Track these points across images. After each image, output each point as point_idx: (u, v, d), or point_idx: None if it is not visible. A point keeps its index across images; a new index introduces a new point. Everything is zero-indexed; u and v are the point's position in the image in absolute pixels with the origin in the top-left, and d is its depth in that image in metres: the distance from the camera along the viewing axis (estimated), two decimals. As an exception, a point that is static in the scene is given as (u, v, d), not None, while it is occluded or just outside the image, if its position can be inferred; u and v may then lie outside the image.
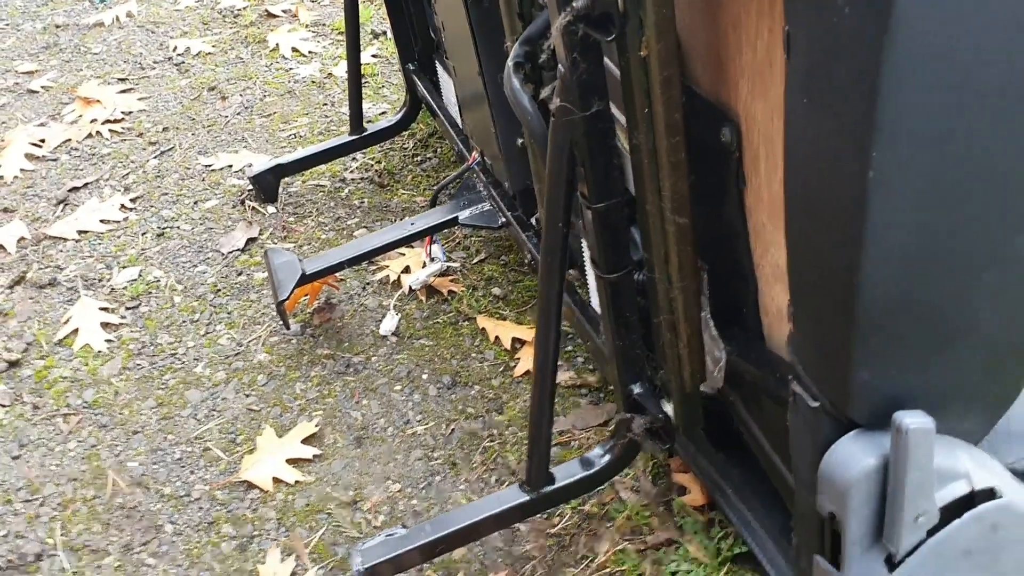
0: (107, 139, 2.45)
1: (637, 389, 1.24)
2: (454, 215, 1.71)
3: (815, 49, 0.71)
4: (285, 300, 1.60)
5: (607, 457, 1.30)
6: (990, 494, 0.90)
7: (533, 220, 1.57)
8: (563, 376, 1.64)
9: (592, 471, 1.30)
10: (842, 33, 0.67)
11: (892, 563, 0.91)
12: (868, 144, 0.70)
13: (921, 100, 0.67)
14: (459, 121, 1.85)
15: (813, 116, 0.74)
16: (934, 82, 0.66)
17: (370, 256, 1.72)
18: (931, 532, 0.89)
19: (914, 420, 0.82)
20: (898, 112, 0.67)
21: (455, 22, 1.50)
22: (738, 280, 1.11)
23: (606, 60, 1.02)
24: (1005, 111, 0.68)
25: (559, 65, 1.00)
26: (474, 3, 1.37)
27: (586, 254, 1.38)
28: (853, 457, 0.88)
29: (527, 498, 1.29)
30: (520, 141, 1.49)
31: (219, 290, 1.91)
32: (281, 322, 1.66)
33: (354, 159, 2.27)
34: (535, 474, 1.28)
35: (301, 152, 2.15)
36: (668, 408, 1.22)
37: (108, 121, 2.52)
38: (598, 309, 1.39)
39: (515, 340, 1.71)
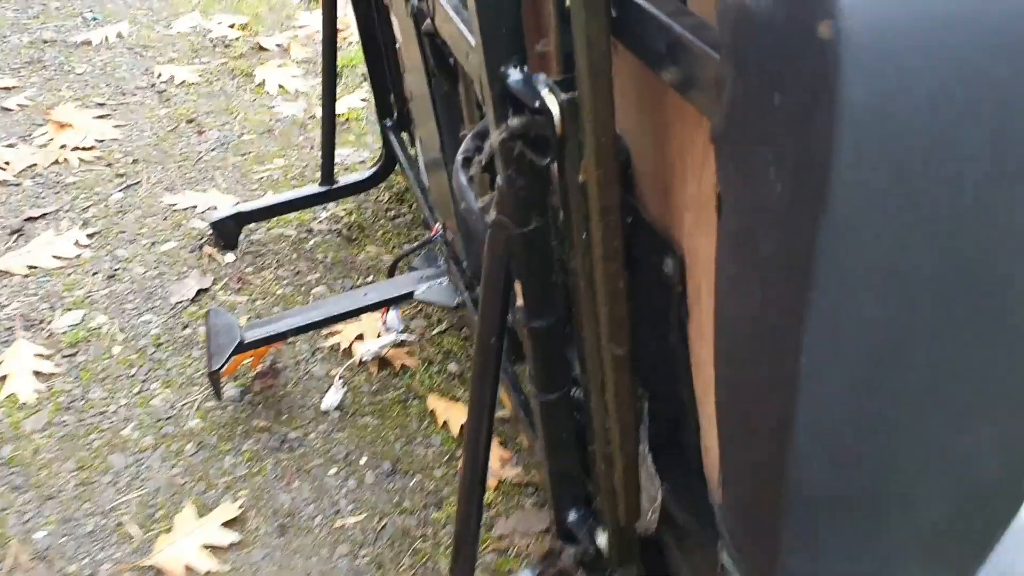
0: (74, 167, 2.37)
1: (572, 516, 1.14)
2: (410, 289, 1.61)
3: (745, 218, 0.61)
4: (219, 370, 1.50)
5: (535, 584, 1.19)
6: None
7: (485, 307, 1.47)
8: (510, 472, 1.54)
9: (518, 597, 1.19)
10: (773, 206, 0.58)
11: None
12: (800, 327, 0.60)
13: (859, 285, 0.58)
14: (427, 186, 1.76)
15: (743, 287, 0.65)
16: (873, 266, 0.57)
17: (317, 327, 1.62)
18: None
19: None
20: (832, 299, 0.58)
21: (421, 95, 1.41)
22: (680, 414, 1.01)
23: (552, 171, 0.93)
24: (950, 302, 0.59)
25: (497, 178, 0.91)
26: (437, 83, 1.28)
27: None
28: (781, 648, 0.78)
29: (445, 621, 1.18)
30: (478, 223, 1.40)
31: (161, 343, 1.81)
32: (213, 390, 1.56)
33: (325, 208, 2.18)
34: (456, 596, 1.18)
35: (266, 200, 2.06)
36: (602, 540, 1.12)
37: (78, 148, 2.44)
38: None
39: (463, 427, 1.61)
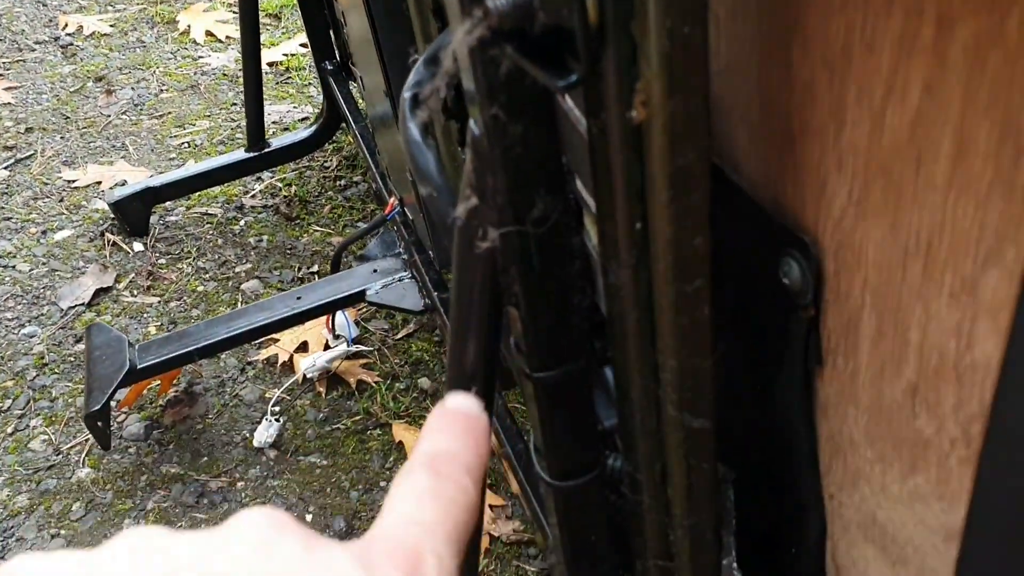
0: (-47, 140, 1.93)
1: (605, 641, 0.75)
2: (361, 288, 1.21)
3: None
4: (98, 412, 1.09)
5: None
6: None
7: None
8: (505, 528, 1.15)
9: None
10: None
11: None
12: None
13: None
14: (377, 149, 1.35)
15: None
16: None
17: (234, 344, 1.21)
18: None
19: None
20: None
21: (356, 13, 1.00)
22: (792, 510, 0.62)
23: (569, 106, 0.54)
24: None
25: (471, 123, 0.50)
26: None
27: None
28: None
29: None
30: (447, 197, 0.99)
31: (45, 364, 1.40)
32: (96, 440, 1.15)
33: (259, 179, 1.76)
34: None
35: (182, 171, 1.64)
36: None
37: (-40, 116, 2.00)
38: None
39: (440, 464, 1.22)
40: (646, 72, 0.38)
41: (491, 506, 1.17)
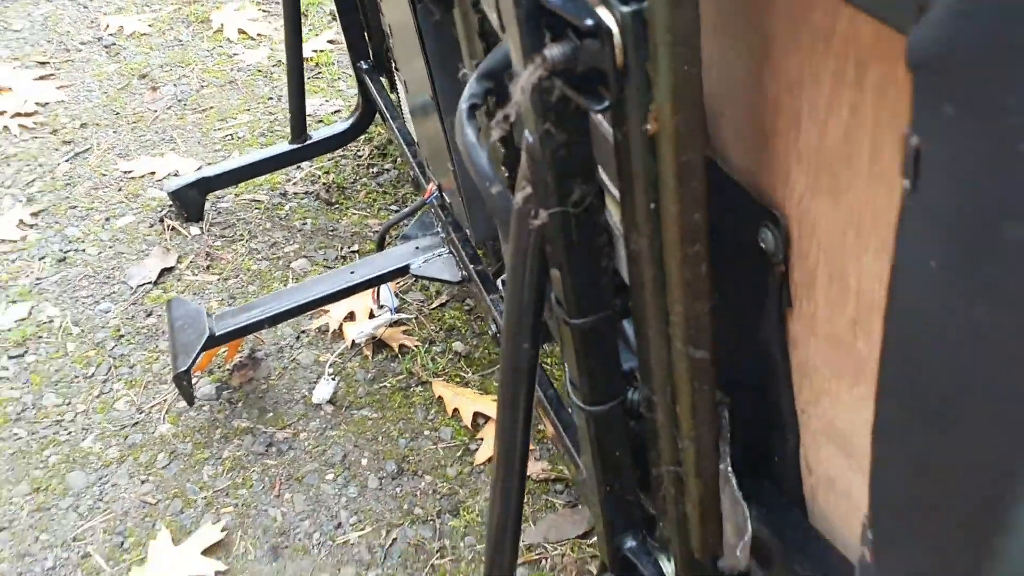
0: (15, 136, 2.10)
1: (629, 542, 0.93)
2: (405, 263, 1.38)
3: (969, 182, 0.39)
4: (187, 371, 1.27)
5: (584, 621, 0.99)
6: None
7: (499, 283, 1.24)
8: (534, 467, 1.33)
9: (564, 637, 0.99)
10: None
11: None
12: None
13: None
14: (415, 140, 1.52)
15: (953, 297, 0.42)
16: None
17: (298, 313, 1.39)
18: None
19: None
20: None
21: (403, 28, 1.16)
22: (773, 424, 0.80)
23: (596, 118, 0.70)
24: None
25: (525, 134, 0.67)
26: (423, 11, 1.03)
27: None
28: None
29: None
30: (484, 182, 1.16)
31: (122, 336, 1.58)
32: (183, 396, 1.33)
33: (299, 168, 1.93)
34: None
35: (232, 162, 1.81)
36: (668, 569, 0.92)
37: (19, 114, 2.17)
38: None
39: (477, 415, 1.40)
40: (657, 97, 0.55)
41: (522, 451, 1.34)
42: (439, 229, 1.39)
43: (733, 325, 0.75)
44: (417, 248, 1.38)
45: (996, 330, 0.40)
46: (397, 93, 1.65)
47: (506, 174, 0.90)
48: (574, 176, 0.67)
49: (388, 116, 1.61)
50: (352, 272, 1.38)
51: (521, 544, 1.23)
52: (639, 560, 0.92)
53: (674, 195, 0.61)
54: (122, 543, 1.28)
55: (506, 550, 0.94)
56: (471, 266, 1.29)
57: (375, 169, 1.93)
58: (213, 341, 1.32)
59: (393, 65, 1.42)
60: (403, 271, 1.38)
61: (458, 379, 1.47)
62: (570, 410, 1.12)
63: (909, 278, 0.45)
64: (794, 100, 0.58)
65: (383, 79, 1.72)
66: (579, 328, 0.77)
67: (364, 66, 1.71)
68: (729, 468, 0.81)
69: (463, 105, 0.83)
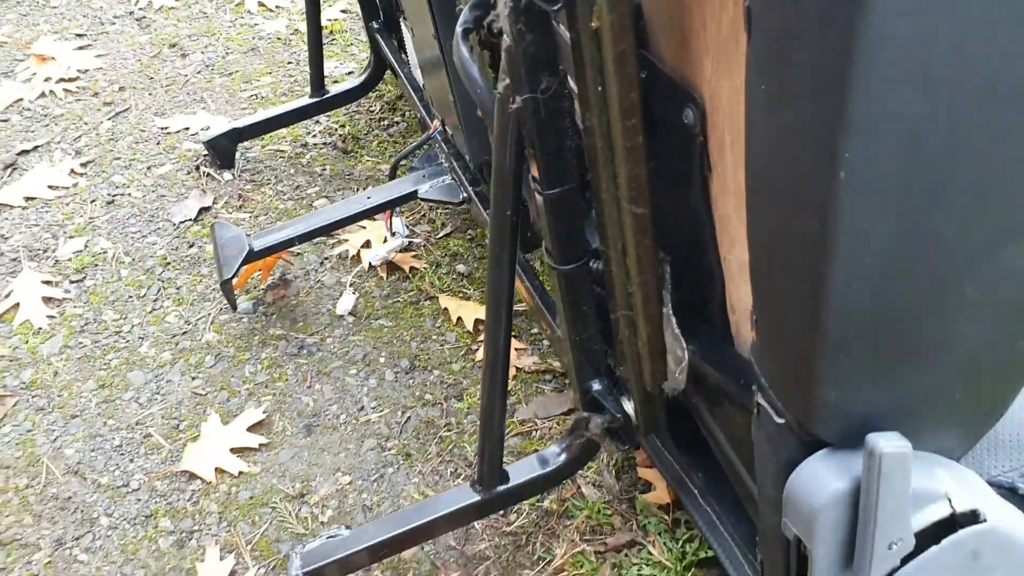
0: (61, 99, 2.33)
1: (596, 386, 1.15)
2: (414, 188, 1.60)
3: (777, 28, 0.61)
4: (230, 279, 1.50)
5: (563, 456, 1.21)
6: (972, 517, 0.82)
7: (494, 197, 1.46)
8: (527, 361, 1.55)
9: (548, 470, 1.21)
10: (808, 11, 0.57)
11: (861, 593, 0.83)
12: (837, 142, 0.60)
13: (899, 93, 0.57)
14: (421, 86, 1.74)
15: (775, 106, 0.64)
16: (914, 73, 0.56)
17: (324, 232, 1.61)
18: (905, 560, 0.81)
19: (888, 444, 0.74)
20: (873, 106, 0.57)
21: (411, -19, 1.38)
22: (703, 274, 1.01)
23: (559, 27, 0.92)
24: (993, 111, 0.59)
25: (504, 36, 0.89)
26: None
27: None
28: (821, 480, 0.79)
29: (478, 499, 1.20)
30: (479, 111, 1.38)
31: (168, 263, 1.81)
32: (227, 300, 1.56)
33: (317, 123, 2.15)
34: (487, 473, 1.20)
35: (259, 115, 2.03)
36: (628, 407, 1.14)
37: (63, 80, 2.39)
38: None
39: (478, 322, 1.62)
40: (598, 1, 0.77)
41: (515, 348, 1.56)
42: (442, 160, 1.61)
43: (670, 190, 0.97)
44: (423, 176, 1.61)
45: (789, 118, 0.62)
46: (405, 50, 1.87)
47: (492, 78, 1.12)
48: (541, 69, 0.89)
49: (398, 69, 1.83)
50: (369, 197, 1.60)
51: (515, 420, 1.46)
52: (604, 400, 1.15)
53: (613, 78, 0.83)
54: (178, 425, 1.51)
55: (495, 415, 1.16)
56: (471, 188, 1.51)
57: (386, 122, 2.15)
58: (252, 256, 1.54)
59: (401, 17, 1.64)
60: (412, 195, 1.60)
61: (461, 295, 1.69)
62: (547, 287, 1.34)
63: (753, 102, 0.67)
64: (700, 4, 0.80)
65: (393, 39, 1.94)
66: (550, 198, 0.99)
67: (375, 25, 1.93)
68: (671, 311, 1.04)
69: (458, 29, 1.06)
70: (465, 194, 1.54)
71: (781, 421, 0.81)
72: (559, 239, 1.03)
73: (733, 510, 1.20)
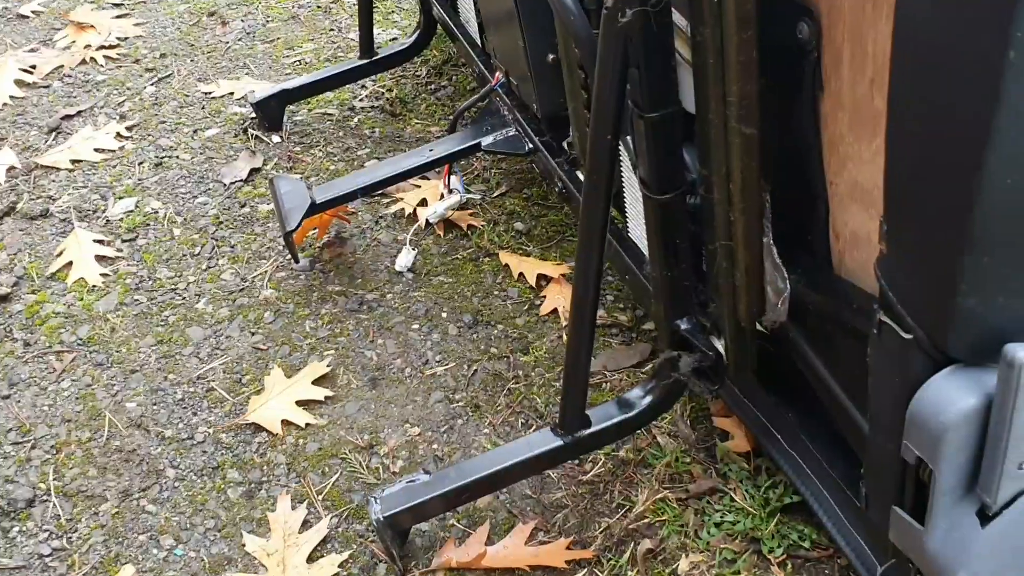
0: (102, 65, 2.31)
1: (684, 325, 1.13)
2: (476, 140, 1.58)
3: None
4: (294, 231, 1.48)
5: (648, 399, 1.19)
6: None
7: (565, 144, 1.44)
8: (592, 315, 1.52)
9: (631, 414, 1.19)
10: None
11: (986, 515, 0.81)
12: (1011, 16, 0.58)
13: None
14: (479, 41, 1.72)
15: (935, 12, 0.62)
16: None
17: (386, 184, 1.59)
18: (1035, 480, 0.78)
19: (1029, 354, 0.71)
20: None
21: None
22: (805, 201, 0.99)
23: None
24: None
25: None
26: None
27: (626, 178, 1.26)
28: (950, 396, 0.77)
29: (560, 443, 1.18)
30: (552, 57, 1.36)
31: (221, 222, 1.79)
32: (289, 255, 1.54)
33: (363, 87, 2.13)
34: (570, 417, 1.18)
35: (308, 77, 2.01)
36: (719, 345, 1.11)
37: (103, 47, 2.37)
38: (640, 238, 1.28)
39: (540, 277, 1.60)
40: None
41: (581, 303, 1.54)
42: (505, 112, 1.59)
43: (776, 113, 0.95)
44: (485, 129, 1.58)
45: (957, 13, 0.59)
46: (456, 9, 1.85)
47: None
48: (654, -19, 0.87)
49: (452, 28, 1.81)
50: (431, 150, 1.58)
51: (584, 373, 1.43)
52: (695, 338, 1.12)
53: (734, -14, 0.80)
54: (240, 379, 1.50)
55: (580, 367, 1.13)
56: (536, 138, 1.49)
57: (432, 86, 2.13)
58: (314, 208, 1.52)
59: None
60: (475, 148, 1.58)
61: (521, 251, 1.67)
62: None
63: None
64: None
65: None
66: (651, 121, 0.97)
67: (427, -15, 1.90)
68: (771, 239, 1.01)
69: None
70: (531, 145, 1.52)
71: (908, 337, 0.79)
72: (658, 167, 1.00)
73: (821, 451, 1.18)
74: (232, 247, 1.74)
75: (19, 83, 2.24)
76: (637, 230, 1.29)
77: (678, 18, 0.93)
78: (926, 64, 0.66)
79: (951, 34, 0.62)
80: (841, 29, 0.84)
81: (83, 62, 2.33)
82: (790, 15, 0.87)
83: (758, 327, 1.07)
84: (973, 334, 0.75)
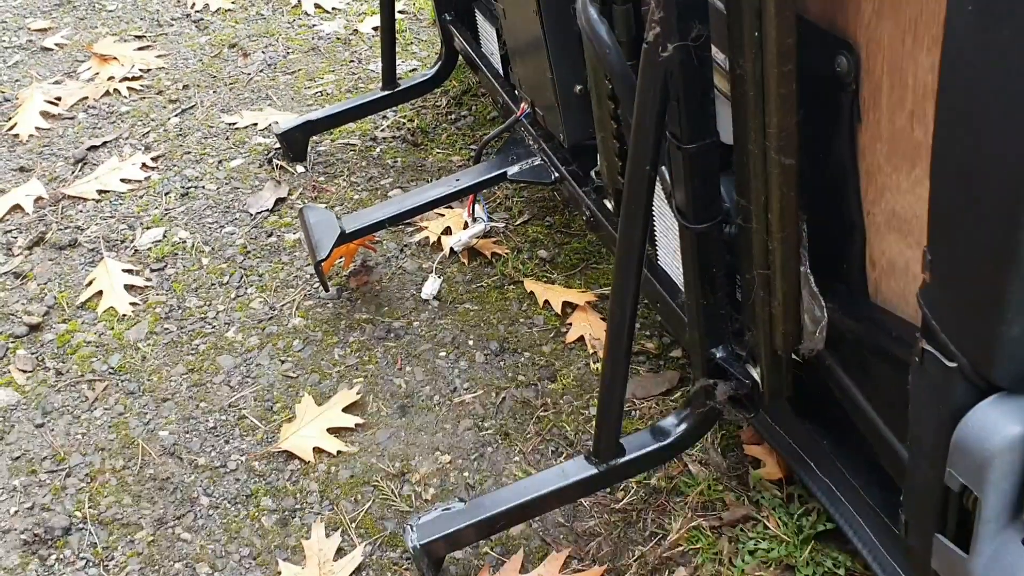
0: (125, 97, 2.34)
1: (720, 353, 1.14)
2: (502, 170, 1.60)
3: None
4: (324, 259, 1.50)
5: (683, 426, 1.20)
6: None
7: (592, 173, 1.46)
8: (619, 342, 1.54)
9: (666, 442, 1.20)
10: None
11: (1030, 542, 0.81)
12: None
13: None
14: (502, 72, 1.74)
15: (987, 24, 0.63)
16: None
17: (414, 214, 1.61)
18: (1081, 509, 0.79)
19: (1076, 382, 0.72)
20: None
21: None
22: (842, 231, 1.00)
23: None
24: None
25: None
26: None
27: (656, 207, 1.28)
28: (996, 424, 0.78)
29: (595, 471, 1.19)
30: (579, 88, 1.38)
31: (249, 252, 1.81)
32: (318, 283, 1.56)
33: (384, 117, 2.16)
34: (604, 445, 1.18)
35: (331, 108, 2.04)
36: (754, 373, 1.12)
37: (126, 79, 2.41)
38: (671, 266, 1.29)
39: (566, 304, 1.61)
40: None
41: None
42: (530, 142, 1.61)
43: (813, 144, 0.96)
44: (511, 158, 1.60)
45: (1004, 35, 0.61)
46: (479, 41, 1.87)
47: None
48: (692, 17, 0.89)
49: (475, 59, 1.83)
50: (458, 180, 1.60)
51: (613, 400, 1.44)
52: (731, 366, 1.13)
53: (773, 21, 0.82)
54: (271, 407, 1.51)
55: (615, 395, 1.15)
56: (562, 167, 1.51)
57: (453, 116, 2.15)
58: (344, 237, 1.54)
59: (477, 7, 1.64)
60: (501, 177, 1.60)
61: (545, 279, 1.68)
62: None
63: (955, 23, 0.66)
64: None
65: (467, 31, 1.94)
66: (688, 152, 0.98)
67: (448, 18, 1.93)
68: (808, 268, 1.03)
69: (588, -7, 1.05)
70: (557, 174, 1.54)
71: (952, 365, 0.80)
72: (695, 198, 1.02)
73: (856, 478, 1.18)
74: (260, 276, 1.75)
75: (45, 115, 2.28)
76: (667, 258, 1.31)
77: (716, 53, 0.95)
78: (973, 96, 0.68)
79: (1000, 67, 0.64)
80: (880, 62, 0.86)
81: (107, 93, 2.36)
82: (829, 48, 0.89)
83: (793, 356, 1.08)
84: (1018, 362, 0.76)
